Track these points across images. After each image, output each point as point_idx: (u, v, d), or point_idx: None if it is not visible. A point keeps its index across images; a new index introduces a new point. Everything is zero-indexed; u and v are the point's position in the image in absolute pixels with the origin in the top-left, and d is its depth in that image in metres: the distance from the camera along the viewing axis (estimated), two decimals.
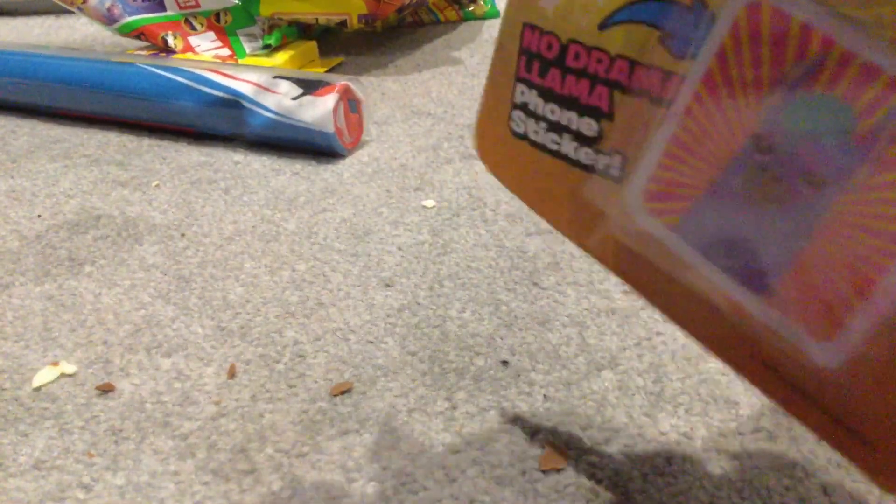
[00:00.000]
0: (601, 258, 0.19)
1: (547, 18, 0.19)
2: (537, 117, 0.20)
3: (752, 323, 0.15)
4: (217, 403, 0.32)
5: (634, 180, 0.17)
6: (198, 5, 0.76)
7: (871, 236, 0.13)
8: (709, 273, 0.16)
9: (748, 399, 0.30)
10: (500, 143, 0.21)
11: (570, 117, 0.19)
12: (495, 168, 0.22)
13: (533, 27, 0.19)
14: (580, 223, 0.19)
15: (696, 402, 0.30)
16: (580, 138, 0.19)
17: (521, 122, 0.21)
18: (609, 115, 0.18)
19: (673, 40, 0.16)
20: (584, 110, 0.19)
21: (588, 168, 0.19)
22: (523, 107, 0.20)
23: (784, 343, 0.15)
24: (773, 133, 0.14)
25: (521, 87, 0.20)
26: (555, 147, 0.20)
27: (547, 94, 0.20)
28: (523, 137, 0.21)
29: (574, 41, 0.18)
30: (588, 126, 0.19)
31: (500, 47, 0.21)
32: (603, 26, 0.18)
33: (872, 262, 0.13)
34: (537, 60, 0.20)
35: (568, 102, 0.19)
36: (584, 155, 0.19)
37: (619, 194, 0.18)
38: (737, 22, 0.14)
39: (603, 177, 0.18)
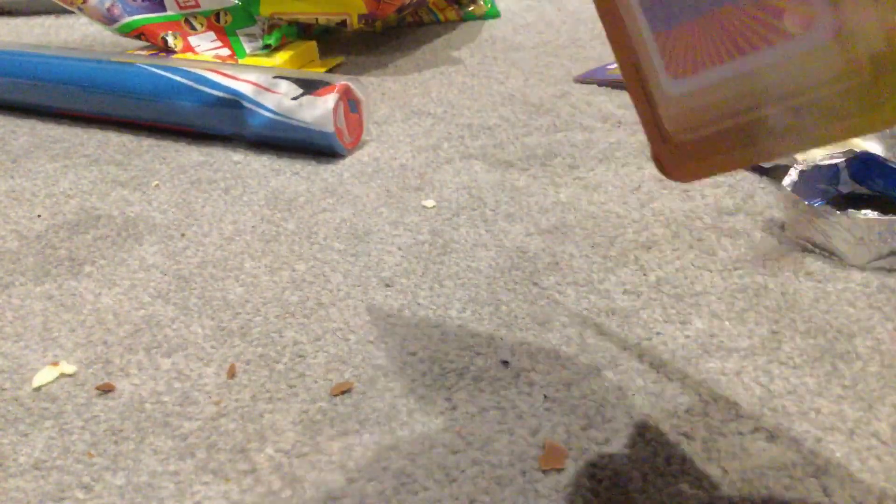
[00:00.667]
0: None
1: None
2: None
3: (642, 45, 0.22)
4: (217, 403, 0.32)
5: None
6: (198, 5, 0.76)
7: (733, 36, 0.20)
8: (633, 4, 0.22)
9: (748, 399, 0.30)
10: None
11: None
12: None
13: None
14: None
15: (697, 402, 0.30)
16: None
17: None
18: None
19: None
20: None
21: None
22: None
23: (651, 65, 0.22)
24: None
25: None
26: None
27: None
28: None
29: None
30: None
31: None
32: None
33: (726, 50, 0.20)
34: None
35: None
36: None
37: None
38: None
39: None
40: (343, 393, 0.32)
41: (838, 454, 0.28)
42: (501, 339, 0.35)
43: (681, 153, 0.23)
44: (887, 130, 0.50)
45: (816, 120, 0.20)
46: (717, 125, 0.22)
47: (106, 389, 0.33)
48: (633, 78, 0.23)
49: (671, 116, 0.23)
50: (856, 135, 0.20)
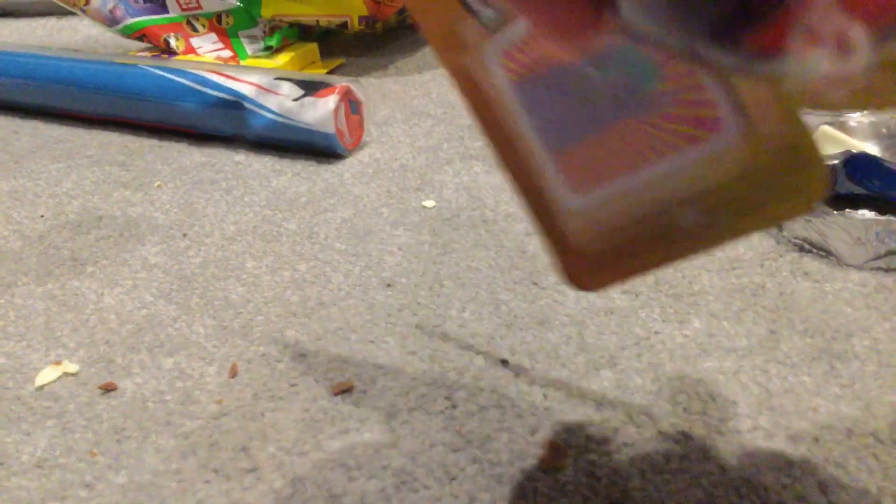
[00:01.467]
0: (454, 79, 0.23)
1: None
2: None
3: (538, 166, 0.22)
4: (219, 402, 0.32)
5: (501, 38, 0.21)
6: (200, 7, 0.76)
7: (636, 147, 0.20)
8: (525, 126, 0.21)
9: (746, 398, 0.30)
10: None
11: None
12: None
13: None
14: (447, 45, 0.22)
15: (695, 401, 0.31)
16: None
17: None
18: None
19: None
20: None
21: (472, 11, 0.22)
22: None
23: (550, 184, 0.22)
24: (608, 60, 0.19)
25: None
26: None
27: None
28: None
29: None
30: None
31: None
32: None
33: (629, 162, 0.20)
34: None
35: None
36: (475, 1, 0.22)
37: (487, 41, 0.21)
38: None
39: (480, 23, 0.22)
40: (344, 392, 0.32)
41: (836, 453, 0.28)
42: (501, 338, 0.35)
43: (590, 263, 0.22)
44: (884, 130, 0.50)
45: (730, 215, 0.19)
46: (627, 232, 0.21)
47: (108, 388, 0.33)
48: (528, 195, 0.22)
49: (576, 230, 0.22)
50: (768, 225, 0.19)
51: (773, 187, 0.18)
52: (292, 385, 0.33)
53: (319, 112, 0.53)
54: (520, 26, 0.20)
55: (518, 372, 0.33)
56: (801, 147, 0.18)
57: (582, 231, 0.22)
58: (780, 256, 0.40)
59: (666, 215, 0.20)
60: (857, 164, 0.44)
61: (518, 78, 0.21)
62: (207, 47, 0.75)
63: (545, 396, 0.31)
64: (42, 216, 0.49)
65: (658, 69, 0.18)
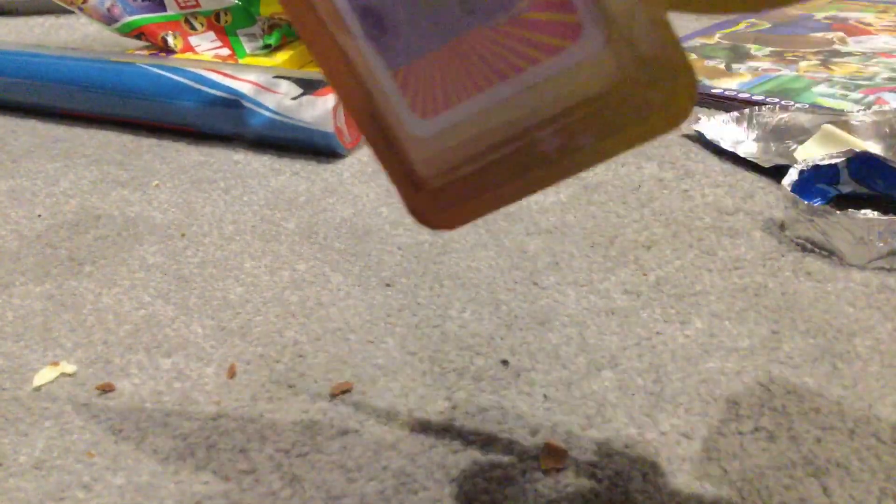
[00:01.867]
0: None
1: None
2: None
3: (376, 87, 0.19)
4: (217, 403, 0.32)
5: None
6: (198, 5, 0.75)
7: (487, 61, 0.18)
8: (359, 39, 0.19)
9: (748, 399, 0.30)
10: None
11: None
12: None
13: None
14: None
15: (696, 402, 0.30)
16: None
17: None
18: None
19: None
20: None
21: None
22: None
23: (392, 108, 0.19)
24: None
25: None
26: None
27: None
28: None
29: None
30: None
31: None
32: None
33: (481, 79, 0.18)
34: None
35: None
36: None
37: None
38: None
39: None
40: (343, 393, 0.32)
41: (838, 454, 0.28)
42: (501, 338, 0.35)
43: (441, 198, 0.20)
44: (887, 129, 0.50)
45: (591, 138, 0.18)
46: (480, 161, 0.19)
47: (106, 389, 0.33)
48: (367, 123, 0.20)
49: (423, 160, 0.20)
50: (629, 148, 0.18)
51: (637, 104, 0.17)
52: (291, 386, 0.32)
53: (318, 111, 0.53)
54: None
55: (518, 372, 0.32)
56: (669, 56, 0.17)
57: (430, 161, 0.19)
58: (783, 256, 0.40)
59: (522, 140, 0.19)
60: (860, 163, 0.44)
61: None
62: (206, 45, 0.75)
63: (546, 397, 0.31)
64: (40, 216, 0.49)
65: None
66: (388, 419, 0.30)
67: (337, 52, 0.19)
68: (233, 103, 0.56)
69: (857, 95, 0.60)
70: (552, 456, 0.28)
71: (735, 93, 0.62)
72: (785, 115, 0.54)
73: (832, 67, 0.67)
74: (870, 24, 0.81)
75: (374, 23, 0.18)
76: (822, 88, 0.62)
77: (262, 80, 0.56)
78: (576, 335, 0.35)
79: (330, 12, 0.19)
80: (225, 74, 0.57)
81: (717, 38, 0.79)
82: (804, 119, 0.53)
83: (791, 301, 0.36)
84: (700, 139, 0.55)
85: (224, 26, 0.76)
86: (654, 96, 0.17)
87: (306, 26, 0.19)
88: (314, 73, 0.58)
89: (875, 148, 0.49)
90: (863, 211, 0.38)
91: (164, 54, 0.73)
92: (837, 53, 0.72)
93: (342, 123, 0.54)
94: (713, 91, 0.63)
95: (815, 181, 0.44)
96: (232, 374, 0.33)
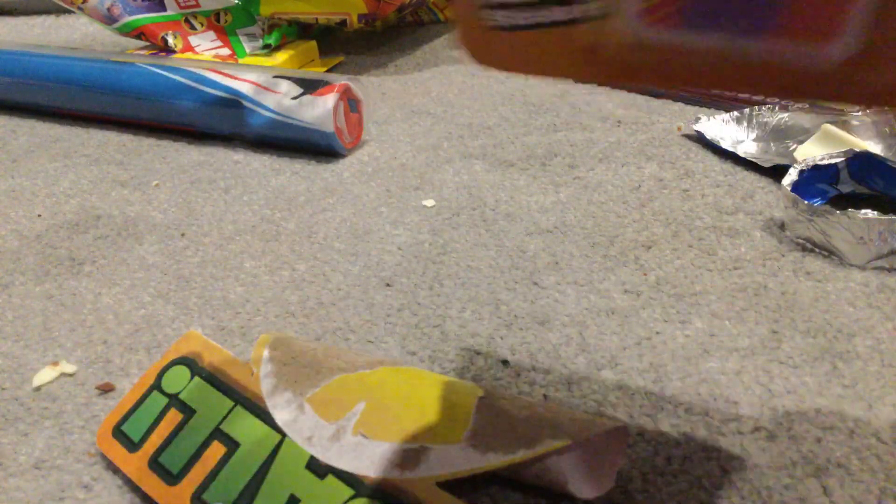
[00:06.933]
0: (606, 79, 0.20)
1: None
2: (503, 5, 0.20)
3: (761, 59, 0.17)
4: None
5: (624, 6, 0.18)
6: (198, 5, 0.75)
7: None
8: (719, 39, 0.17)
9: (748, 399, 0.30)
10: (482, 38, 0.22)
11: None
12: (484, 58, 0.23)
13: None
14: (578, 64, 0.20)
15: (696, 401, 0.30)
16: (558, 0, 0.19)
17: (490, 18, 0.21)
18: None
19: None
20: None
21: (573, 21, 0.19)
22: (487, 4, 0.21)
23: (793, 60, 0.17)
24: None
25: None
26: (530, 21, 0.20)
27: None
28: (499, 28, 0.21)
29: None
30: None
31: None
32: None
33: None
34: None
35: None
36: (562, 13, 0.19)
37: (613, 24, 0.19)
38: None
39: (590, 21, 0.19)
40: None
41: (838, 454, 0.28)
42: (501, 338, 0.35)
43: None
44: (887, 129, 0.50)
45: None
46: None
47: (106, 389, 0.33)
48: None
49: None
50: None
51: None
52: None
53: (318, 110, 0.53)
54: None
55: (518, 372, 0.32)
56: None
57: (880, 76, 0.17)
58: (783, 256, 0.40)
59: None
60: (860, 163, 0.44)
61: (677, 19, 0.18)
62: (206, 45, 0.75)
63: (546, 397, 0.31)
64: (39, 216, 0.49)
65: None
66: None
67: (721, 65, 0.18)
68: (233, 103, 0.56)
69: None
70: None
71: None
72: (785, 115, 0.54)
73: None
74: None
75: (725, 19, 0.18)
76: None
77: (262, 80, 0.56)
78: (576, 335, 0.35)
79: (678, 48, 0.18)
80: (225, 74, 0.57)
81: None
82: (804, 119, 0.53)
83: (791, 301, 0.36)
84: (700, 139, 0.55)
85: (224, 26, 0.76)
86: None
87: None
88: (314, 72, 0.58)
89: (875, 148, 0.49)
90: (863, 211, 0.38)
91: (164, 54, 0.73)
92: None
93: (342, 123, 0.54)
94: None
95: (815, 181, 0.44)
96: None
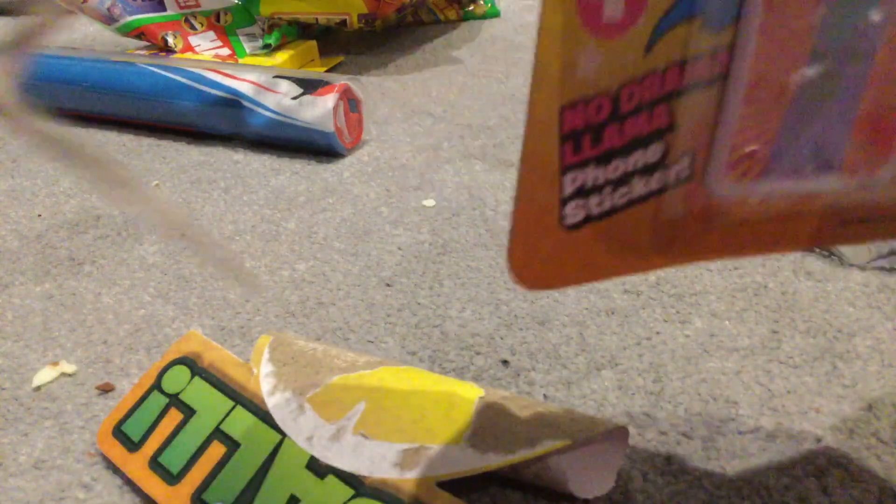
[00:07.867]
0: (699, 257, 0.19)
1: (589, 83, 0.17)
2: (598, 188, 0.18)
3: (838, 200, 0.17)
4: None
5: (713, 163, 0.18)
6: (198, 5, 0.76)
7: None
8: (800, 186, 0.17)
9: (748, 398, 0.30)
10: (550, 254, 0.19)
11: (635, 159, 0.18)
12: (547, 281, 0.20)
13: (573, 105, 0.17)
14: (664, 246, 0.19)
15: (696, 401, 0.30)
16: (648, 169, 0.18)
17: (578, 211, 0.19)
18: (671, 127, 0.17)
19: (712, 18, 0.16)
20: (648, 140, 0.18)
21: (660, 190, 0.18)
22: (578, 193, 0.18)
23: (862, 196, 0.17)
24: (824, 38, 0.16)
25: (570, 176, 0.18)
26: (625, 199, 0.18)
27: (606, 157, 0.18)
28: (584, 222, 0.19)
29: (624, 84, 0.17)
30: (654, 152, 0.18)
31: (528, 159, 0.18)
32: (648, 48, 0.17)
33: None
34: (587, 133, 0.18)
35: (631, 146, 0.18)
36: (655, 181, 0.18)
37: (699, 187, 0.18)
38: None
39: (675, 187, 0.18)
40: None
41: (838, 454, 0.28)
42: (501, 338, 0.35)
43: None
44: None
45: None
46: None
47: (106, 389, 0.33)
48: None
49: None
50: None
51: None
52: None
53: (318, 110, 0.53)
54: (723, 130, 0.17)
55: (518, 372, 0.32)
56: None
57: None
58: (783, 255, 0.40)
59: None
60: None
61: (759, 168, 0.17)
62: (206, 45, 0.75)
63: (546, 397, 0.31)
64: (39, 215, 0.49)
65: None
66: None
67: (800, 218, 0.18)
68: (233, 103, 0.56)
69: None
70: None
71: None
72: None
73: None
74: None
75: (807, 160, 0.17)
76: None
77: (262, 79, 0.56)
78: (576, 335, 0.35)
79: (755, 205, 0.18)
80: (225, 74, 0.57)
81: None
82: None
83: (791, 301, 0.36)
84: None
85: (224, 26, 0.76)
86: None
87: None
88: (314, 72, 0.58)
89: None
90: None
91: (163, 54, 0.73)
92: None
93: (342, 123, 0.54)
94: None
95: None
96: None
